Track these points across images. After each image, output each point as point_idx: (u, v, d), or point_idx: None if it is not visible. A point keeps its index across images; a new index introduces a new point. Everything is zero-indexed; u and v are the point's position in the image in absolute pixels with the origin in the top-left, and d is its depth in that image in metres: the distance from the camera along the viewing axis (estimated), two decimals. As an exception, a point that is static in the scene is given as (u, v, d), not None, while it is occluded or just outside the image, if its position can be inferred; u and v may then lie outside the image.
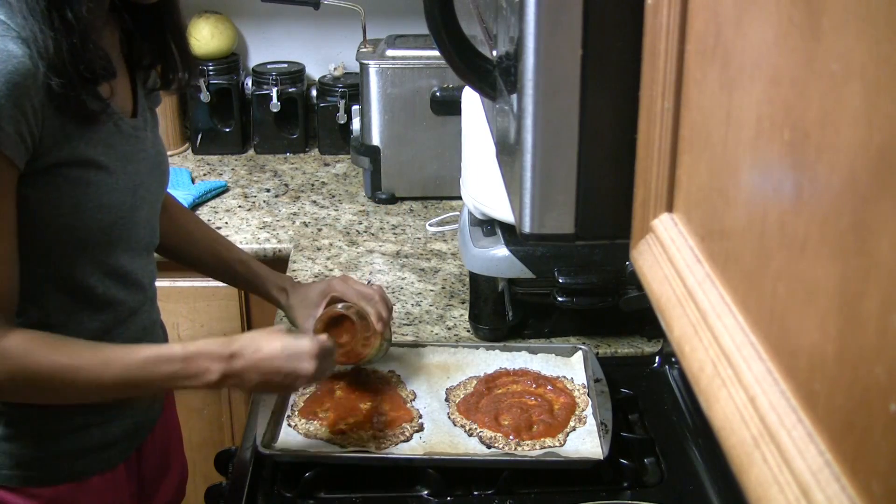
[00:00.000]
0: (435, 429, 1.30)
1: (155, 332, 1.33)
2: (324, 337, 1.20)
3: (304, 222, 2.04)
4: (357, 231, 2.00)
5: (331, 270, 1.82)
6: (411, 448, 1.27)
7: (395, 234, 1.98)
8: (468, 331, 1.61)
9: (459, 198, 1.69)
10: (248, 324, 2.00)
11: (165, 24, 1.24)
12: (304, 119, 2.40)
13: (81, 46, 1.04)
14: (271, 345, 1.14)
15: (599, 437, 1.27)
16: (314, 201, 2.15)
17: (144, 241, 1.24)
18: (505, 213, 1.46)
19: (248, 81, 2.38)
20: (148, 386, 1.14)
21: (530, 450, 1.25)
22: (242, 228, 2.01)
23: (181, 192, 2.09)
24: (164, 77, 1.28)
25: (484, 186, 1.50)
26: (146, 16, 1.21)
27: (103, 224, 1.14)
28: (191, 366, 1.12)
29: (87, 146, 1.10)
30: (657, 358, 1.55)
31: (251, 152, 2.42)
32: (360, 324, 1.32)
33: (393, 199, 2.12)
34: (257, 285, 1.44)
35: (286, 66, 2.39)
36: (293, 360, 1.14)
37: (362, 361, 1.37)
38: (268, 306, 1.88)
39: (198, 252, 1.44)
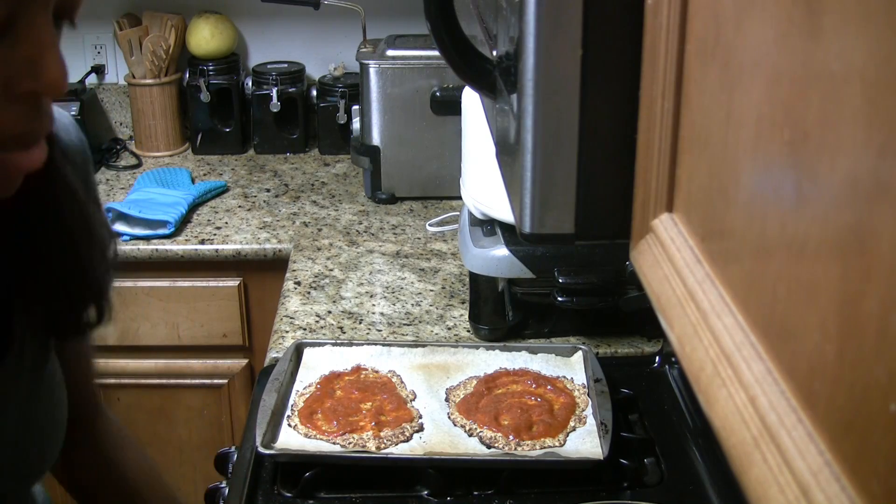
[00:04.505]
0: (435, 429, 1.30)
1: None
2: None
3: (304, 222, 2.04)
4: (357, 231, 2.00)
5: (331, 270, 1.82)
6: (411, 448, 1.27)
7: (395, 234, 1.98)
8: (468, 331, 1.61)
9: (459, 198, 1.69)
10: (249, 324, 2.00)
11: (52, 244, 0.83)
12: (304, 119, 2.40)
13: None
14: None
15: (599, 437, 1.27)
16: (314, 201, 2.15)
17: None
18: (505, 213, 1.46)
19: (248, 81, 2.38)
20: None
21: (530, 450, 1.25)
22: (242, 228, 2.01)
23: (181, 192, 2.09)
24: (59, 320, 0.88)
25: (484, 186, 1.50)
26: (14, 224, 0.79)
27: None
28: None
29: None
30: (657, 358, 1.55)
31: (251, 152, 2.43)
32: None
33: (393, 199, 2.12)
34: None
35: (286, 66, 2.39)
36: None
37: None
38: (268, 308, 1.89)
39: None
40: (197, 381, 2.04)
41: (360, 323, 1.64)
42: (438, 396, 1.37)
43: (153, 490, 1.14)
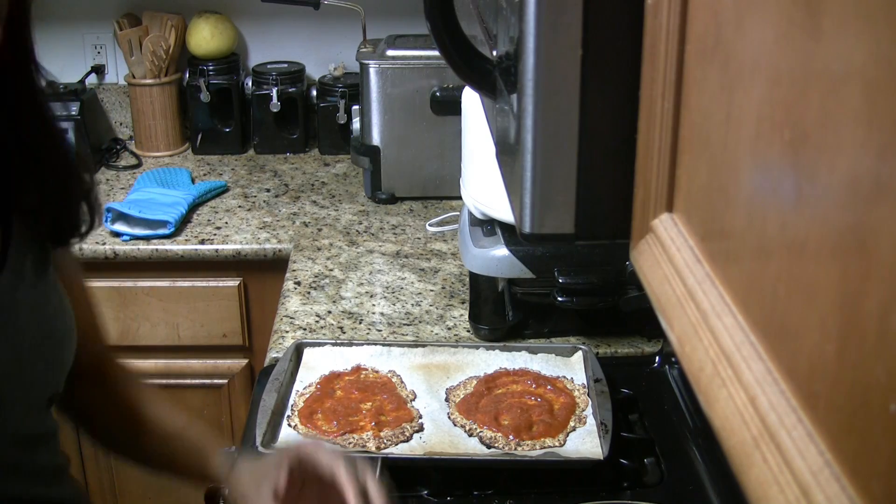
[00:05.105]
0: (435, 429, 1.30)
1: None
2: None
3: (304, 222, 2.04)
4: (357, 231, 2.00)
5: (331, 270, 1.82)
6: (411, 448, 1.27)
7: (395, 234, 1.98)
8: (468, 331, 1.61)
9: (459, 198, 1.69)
10: (249, 324, 2.00)
11: (39, 143, 0.88)
12: (304, 119, 2.40)
13: None
14: None
15: (599, 437, 1.27)
16: (314, 201, 2.15)
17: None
18: (505, 213, 1.46)
19: (248, 81, 2.38)
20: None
21: (530, 450, 1.25)
22: (242, 228, 2.01)
23: (181, 192, 2.09)
24: (54, 223, 0.93)
25: (484, 186, 1.50)
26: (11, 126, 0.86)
27: None
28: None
29: None
30: (657, 358, 1.55)
31: (251, 152, 2.42)
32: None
33: (393, 199, 2.12)
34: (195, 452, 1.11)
35: (286, 66, 2.39)
36: None
37: None
38: (268, 308, 1.89)
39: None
40: (197, 381, 2.04)
41: (360, 323, 1.64)
42: (438, 396, 1.37)
43: (174, 436, 1.13)
